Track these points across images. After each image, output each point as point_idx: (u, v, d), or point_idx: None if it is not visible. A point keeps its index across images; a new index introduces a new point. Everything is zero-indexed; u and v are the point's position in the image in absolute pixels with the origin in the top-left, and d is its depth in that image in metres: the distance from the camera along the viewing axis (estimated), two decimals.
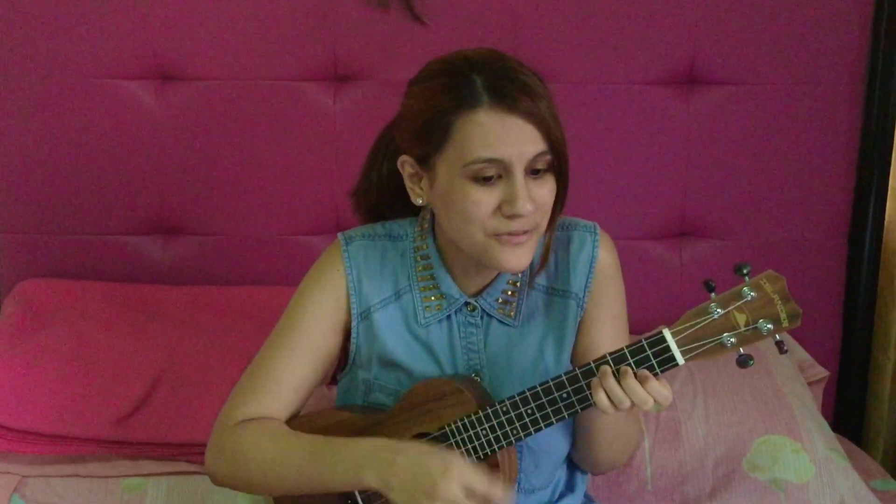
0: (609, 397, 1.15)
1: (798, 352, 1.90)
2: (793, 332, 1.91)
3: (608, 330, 1.30)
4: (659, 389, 1.15)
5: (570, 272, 1.29)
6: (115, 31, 1.84)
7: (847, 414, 2.02)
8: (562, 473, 1.36)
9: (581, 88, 1.88)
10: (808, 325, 1.92)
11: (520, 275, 1.29)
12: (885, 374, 1.97)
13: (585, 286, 1.29)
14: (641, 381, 1.14)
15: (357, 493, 1.24)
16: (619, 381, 1.14)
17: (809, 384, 1.85)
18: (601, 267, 1.29)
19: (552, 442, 1.30)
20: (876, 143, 1.90)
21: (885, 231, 1.95)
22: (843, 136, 1.92)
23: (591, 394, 1.16)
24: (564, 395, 1.17)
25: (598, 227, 1.31)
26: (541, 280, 1.30)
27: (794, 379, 1.79)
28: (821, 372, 1.90)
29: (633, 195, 1.93)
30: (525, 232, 1.19)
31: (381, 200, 1.33)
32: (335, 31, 1.86)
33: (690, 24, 1.86)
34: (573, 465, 1.38)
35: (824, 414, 1.86)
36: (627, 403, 1.15)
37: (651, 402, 1.15)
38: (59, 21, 1.83)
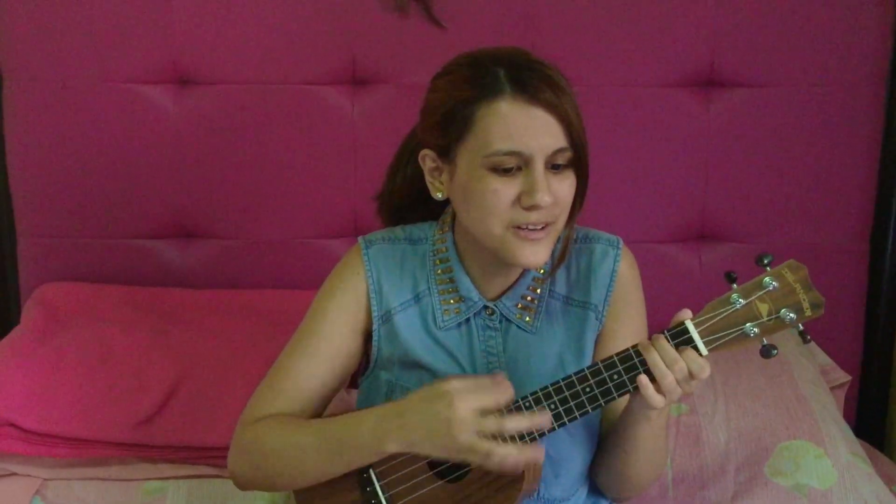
0: (652, 378, 1.14)
1: (820, 356, 1.89)
2: (815, 337, 1.90)
3: (628, 345, 1.29)
4: (694, 357, 1.13)
5: (590, 284, 1.29)
6: (134, 36, 1.85)
7: (870, 418, 2.00)
8: (584, 491, 1.35)
9: (599, 91, 1.88)
10: (830, 329, 1.93)
11: (539, 281, 1.29)
12: None
13: (605, 299, 1.29)
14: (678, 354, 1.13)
15: (372, 472, 1.24)
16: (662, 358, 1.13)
17: (832, 389, 1.83)
18: (622, 281, 1.29)
19: (573, 452, 1.29)
20: None
21: None
22: (865, 137, 1.90)
23: (631, 381, 1.15)
24: (587, 389, 1.17)
25: (621, 241, 1.31)
26: (560, 289, 1.30)
27: (816, 383, 1.77)
28: (843, 376, 1.88)
29: (652, 198, 1.93)
30: (543, 228, 1.19)
31: (404, 203, 1.33)
32: (353, 35, 1.86)
33: (709, 26, 1.86)
34: (600, 492, 1.37)
35: (847, 418, 1.84)
36: (670, 378, 1.13)
37: (686, 371, 1.13)
38: (77, 26, 1.84)
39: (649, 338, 1.17)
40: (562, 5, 1.85)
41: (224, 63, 1.87)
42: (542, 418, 1.16)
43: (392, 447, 1.16)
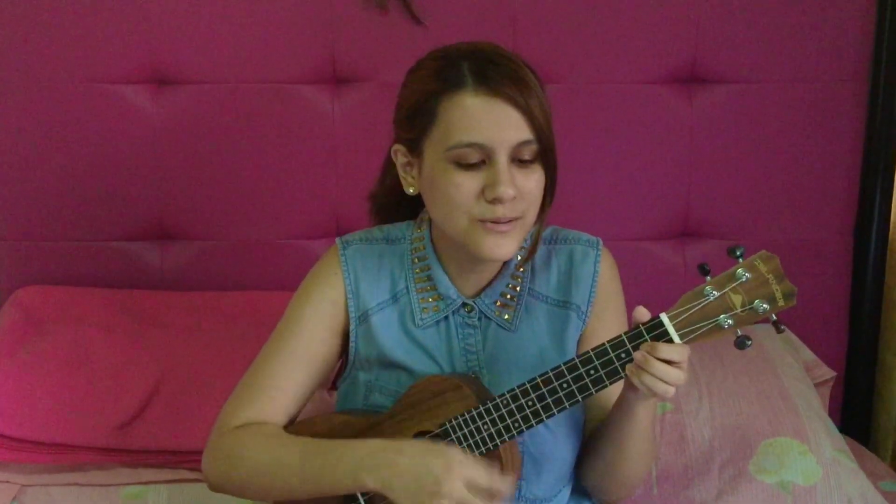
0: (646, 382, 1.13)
1: (804, 352, 1.89)
2: (799, 333, 1.91)
3: None
4: (673, 348, 1.12)
5: (570, 285, 1.29)
6: (111, 36, 1.83)
7: (854, 415, 2.00)
8: (567, 491, 1.34)
9: (582, 88, 1.87)
10: (815, 325, 1.93)
11: (518, 278, 1.28)
12: (893, 375, 1.95)
13: (589, 301, 1.29)
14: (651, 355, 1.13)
15: (360, 497, 1.23)
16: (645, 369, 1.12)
17: (816, 385, 1.83)
18: (603, 282, 1.29)
19: (555, 450, 1.28)
20: (881, 140, 1.89)
21: (890, 229, 1.94)
22: (848, 133, 1.90)
23: (606, 376, 1.15)
24: (564, 385, 1.16)
25: (601, 242, 1.31)
26: (540, 289, 1.29)
27: (800, 380, 1.77)
28: (827, 372, 1.89)
29: (636, 195, 1.92)
30: (509, 221, 1.18)
31: (395, 202, 1.32)
32: (333, 33, 1.85)
33: (692, 23, 1.85)
34: (583, 493, 1.36)
35: (831, 415, 1.84)
36: (663, 387, 1.12)
37: (677, 375, 1.12)
38: (54, 25, 1.82)
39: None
40: (543, 2, 1.84)
41: (203, 62, 1.85)
42: None
43: (371, 482, 1.13)
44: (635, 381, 1.14)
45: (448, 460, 1.10)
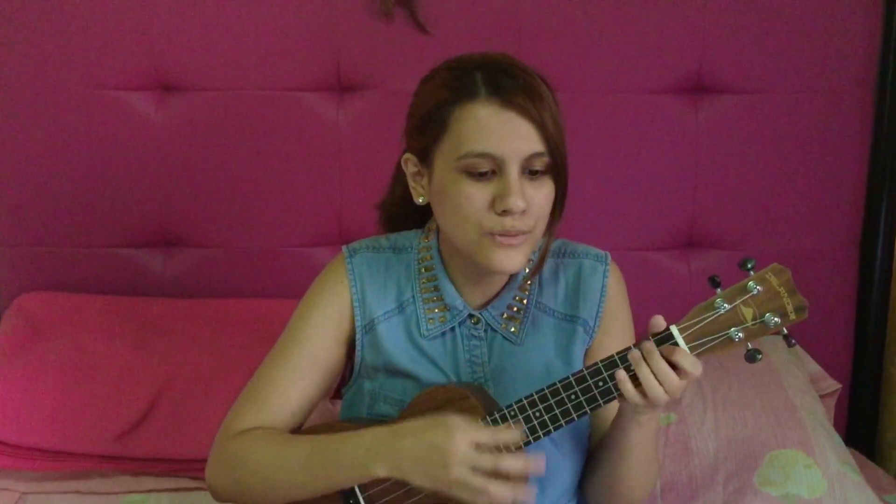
0: (637, 388, 1.12)
1: (810, 364, 1.88)
2: (804, 344, 1.91)
3: None
4: (686, 354, 1.11)
5: (578, 298, 1.28)
6: (116, 42, 1.83)
7: (860, 427, 1.99)
8: None
9: (587, 98, 1.87)
10: (820, 336, 1.92)
11: (525, 290, 1.28)
12: None
13: (596, 315, 1.28)
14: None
15: (359, 493, 1.22)
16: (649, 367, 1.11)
17: (821, 397, 1.83)
18: (610, 296, 1.29)
19: (559, 463, 1.27)
20: (887, 150, 1.88)
21: None
22: (854, 143, 1.90)
23: (616, 387, 1.14)
24: (573, 396, 1.16)
25: (608, 256, 1.31)
26: (548, 302, 1.29)
27: (805, 392, 1.76)
28: (833, 384, 1.88)
29: (641, 205, 1.92)
30: (519, 234, 1.17)
31: (405, 211, 1.32)
32: (338, 41, 1.84)
33: (698, 33, 1.85)
34: None
35: (837, 427, 1.83)
36: (659, 391, 1.11)
37: (677, 383, 1.11)
38: (58, 32, 1.83)
39: (637, 336, 1.15)
40: (549, 12, 1.84)
41: (207, 70, 1.85)
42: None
43: (381, 471, 1.13)
44: (623, 388, 1.12)
45: (448, 429, 1.10)
